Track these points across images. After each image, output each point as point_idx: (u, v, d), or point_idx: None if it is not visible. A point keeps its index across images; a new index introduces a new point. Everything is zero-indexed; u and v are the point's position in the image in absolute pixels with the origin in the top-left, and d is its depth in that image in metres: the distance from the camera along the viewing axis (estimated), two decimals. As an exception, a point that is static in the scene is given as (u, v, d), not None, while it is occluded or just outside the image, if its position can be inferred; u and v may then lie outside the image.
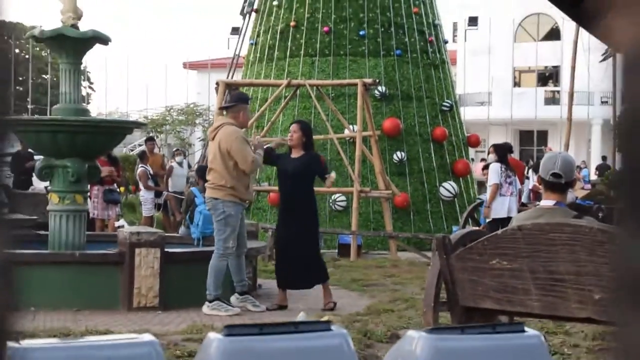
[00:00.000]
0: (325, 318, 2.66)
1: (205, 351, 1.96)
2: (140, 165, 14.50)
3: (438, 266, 4.26)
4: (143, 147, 22.39)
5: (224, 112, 7.75)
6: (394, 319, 6.76)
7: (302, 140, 7.64)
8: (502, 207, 10.41)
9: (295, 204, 7.56)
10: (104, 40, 8.10)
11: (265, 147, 7.86)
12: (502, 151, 10.78)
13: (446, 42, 16.48)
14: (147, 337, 1.92)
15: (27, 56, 37.26)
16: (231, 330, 1.97)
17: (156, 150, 16.87)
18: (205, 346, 1.99)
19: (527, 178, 20.40)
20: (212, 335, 2.00)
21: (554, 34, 40.03)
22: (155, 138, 17.58)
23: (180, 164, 15.21)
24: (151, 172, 14.38)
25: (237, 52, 18.43)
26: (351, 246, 12.06)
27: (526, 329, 2.22)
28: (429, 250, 11.88)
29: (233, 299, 7.43)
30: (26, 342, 1.88)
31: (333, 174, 8.08)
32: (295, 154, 7.70)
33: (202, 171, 9.53)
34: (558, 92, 39.22)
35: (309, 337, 2.02)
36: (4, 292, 0.83)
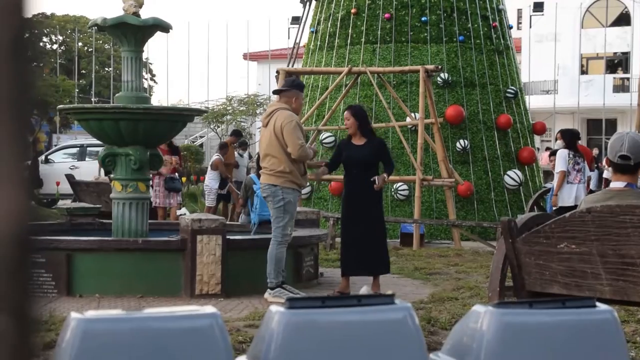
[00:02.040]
0: (389, 292, 2.63)
1: (267, 324, 1.93)
2: (216, 155, 14.69)
3: (504, 250, 4.16)
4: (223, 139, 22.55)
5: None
6: (458, 307, 6.67)
7: (358, 125, 7.60)
8: (569, 195, 10.10)
9: (361, 192, 7.50)
10: (164, 27, 8.14)
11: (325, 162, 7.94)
12: (570, 137, 10.42)
13: (510, 27, 16.12)
14: (209, 309, 1.91)
15: (89, 49, 37.95)
16: (293, 303, 1.94)
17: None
18: (267, 319, 1.96)
19: (597, 167, 19.88)
20: (274, 309, 1.97)
21: (623, 19, 38.93)
22: (241, 134, 17.57)
23: (241, 155, 15.37)
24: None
25: (297, 41, 18.45)
26: (414, 235, 11.95)
27: (598, 304, 2.13)
28: (494, 239, 11.69)
29: (266, 295, 7.20)
30: (89, 314, 1.88)
31: (385, 176, 7.58)
32: (358, 141, 7.62)
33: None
34: (627, 79, 38.15)
35: (373, 311, 1.97)
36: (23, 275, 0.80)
